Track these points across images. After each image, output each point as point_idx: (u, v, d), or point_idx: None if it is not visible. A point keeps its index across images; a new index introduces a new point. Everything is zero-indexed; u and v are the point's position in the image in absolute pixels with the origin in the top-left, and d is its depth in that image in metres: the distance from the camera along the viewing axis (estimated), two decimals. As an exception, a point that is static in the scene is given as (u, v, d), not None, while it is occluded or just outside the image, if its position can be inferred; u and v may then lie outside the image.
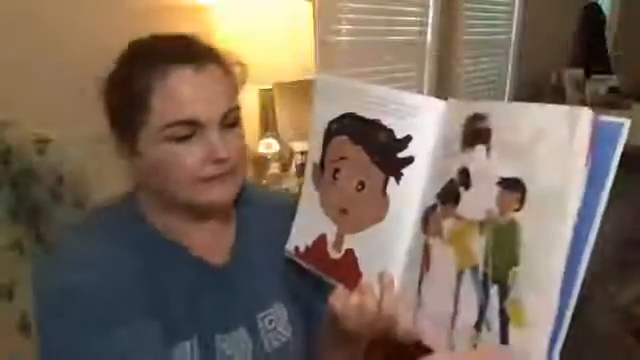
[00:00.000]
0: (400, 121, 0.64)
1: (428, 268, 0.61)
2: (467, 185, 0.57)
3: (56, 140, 1.06)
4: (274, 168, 1.63)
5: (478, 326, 0.55)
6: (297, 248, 0.76)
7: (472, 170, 0.57)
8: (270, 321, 0.80)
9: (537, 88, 3.54)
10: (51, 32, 1.27)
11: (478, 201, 0.56)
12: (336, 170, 0.71)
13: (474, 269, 0.56)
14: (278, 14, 1.52)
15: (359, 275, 0.67)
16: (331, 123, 0.71)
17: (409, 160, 0.63)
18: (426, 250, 0.62)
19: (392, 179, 0.64)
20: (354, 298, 0.65)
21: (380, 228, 0.66)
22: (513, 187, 0.53)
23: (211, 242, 0.78)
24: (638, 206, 2.53)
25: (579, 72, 3.75)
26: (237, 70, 0.75)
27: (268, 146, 1.63)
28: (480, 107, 0.57)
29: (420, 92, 2.64)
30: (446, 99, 0.63)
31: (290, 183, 1.64)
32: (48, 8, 1.27)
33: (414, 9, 2.57)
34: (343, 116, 0.70)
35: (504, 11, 3.32)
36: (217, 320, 0.75)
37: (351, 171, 0.69)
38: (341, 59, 2.15)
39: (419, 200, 0.63)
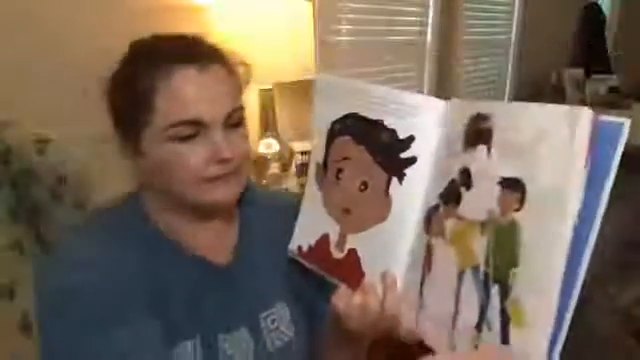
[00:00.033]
0: (403, 121, 0.64)
1: (430, 268, 0.61)
2: (468, 185, 0.57)
3: (56, 140, 1.06)
4: (274, 168, 1.63)
5: (479, 326, 0.55)
6: (300, 248, 0.76)
7: (473, 170, 0.57)
8: (273, 321, 0.80)
9: (537, 88, 3.54)
10: (51, 32, 1.27)
11: (479, 201, 0.56)
12: (339, 170, 0.71)
13: (475, 269, 0.56)
14: (278, 14, 1.52)
15: (362, 275, 0.67)
16: (334, 123, 0.72)
17: (412, 160, 0.63)
18: (428, 250, 0.62)
19: (395, 179, 0.65)
20: (357, 298, 0.65)
21: (383, 228, 0.66)
22: (513, 187, 0.53)
23: (214, 242, 0.78)
24: (638, 207, 2.53)
25: (579, 72, 3.75)
26: (241, 70, 0.75)
27: (268, 146, 1.63)
28: (482, 107, 0.57)
29: (420, 92, 2.64)
30: (449, 99, 0.63)
31: (290, 183, 1.64)
32: (48, 8, 1.27)
33: (414, 9, 2.57)
34: (346, 116, 0.70)
35: (504, 11, 3.32)
36: (220, 320, 0.75)
37: (354, 171, 0.69)
38: (341, 59, 2.15)
39: (422, 200, 0.63)
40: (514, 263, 0.52)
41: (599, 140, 0.49)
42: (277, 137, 1.65)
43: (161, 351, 0.68)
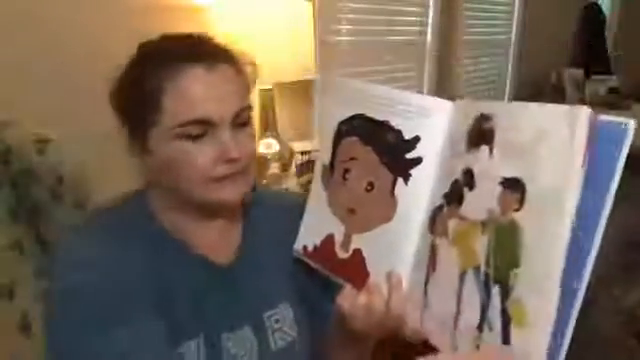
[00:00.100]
0: (409, 122, 0.64)
1: (434, 269, 0.62)
2: (471, 186, 0.57)
3: (56, 140, 1.06)
4: (274, 168, 1.63)
5: (480, 326, 0.55)
6: (305, 248, 0.76)
7: (476, 171, 0.57)
8: (276, 320, 0.80)
9: (537, 88, 3.54)
10: (51, 32, 1.27)
11: (481, 201, 0.56)
12: (346, 170, 0.71)
13: (476, 269, 0.56)
14: (278, 14, 1.52)
15: (367, 275, 0.67)
16: (341, 124, 0.72)
17: (417, 161, 0.63)
18: (433, 250, 0.62)
19: (400, 180, 0.65)
20: (362, 298, 0.65)
21: (388, 228, 0.66)
22: (514, 187, 0.53)
23: (218, 241, 0.78)
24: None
25: (579, 72, 3.75)
26: (248, 69, 0.75)
27: (268, 146, 1.63)
28: (486, 107, 0.57)
29: (420, 92, 2.64)
30: (453, 99, 0.63)
31: (290, 183, 1.64)
32: (48, 8, 1.27)
33: (414, 9, 2.57)
34: (353, 117, 0.70)
35: (504, 11, 3.32)
36: (223, 319, 0.75)
37: (361, 172, 0.69)
38: (341, 59, 2.15)
39: (427, 200, 0.63)
40: (515, 264, 0.52)
41: (603, 141, 0.48)
42: (277, 137, 1.65)
43: (165, 351, 0.68)
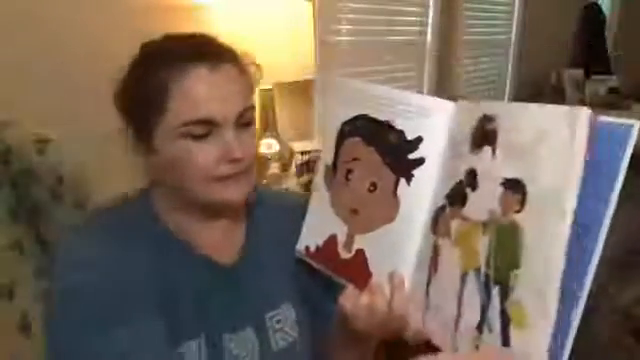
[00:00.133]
0: (411, 122, 0.64)
1: (436, 269, 0.62)
2: (474, 186, 0.58)
3: (56, 140, 1.06)
4: (274, 168, 1.63)
5: (480, 327, 0.55)
6: (307, 248, 0.76)
7: (479, 171, 0.57)
8: (278, 321, 0.80)
9: (537, 88, 3.54)
10: (51, 32, 1.27)
11: (483, 202, 0.56)
12: (348, 171, 0.71)
13: (477, 270, 0.56)
14: (278, 14, 1.52)
15: (369, 275, 0.67)
16: (344, 125, 0.72)
17: (420, 161, 0.64)
18: (435, 251, 0.62)
19: (403, 180, 0.65)
20: (364, 298, 0.65)
21: (391, 229, 0.66)
22: (515, 188, 0.53)
23: (221, 241, 0.78)
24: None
25: (579, 72, 3.74)
26: (252, 69, 0.75)
27: (268, 146, 1.63)
28: (488, 108, 0.58)
29: (420, 92, 2.64)
30: (455, 100, 0.63)
31: (290, 183, 1.64)
32: (48, 8, 1.27)
33: (414, 9, 2.57)
34: (356, 118, 0.70)
35: (504, 11, 3.32)
36: (225, 319, 0.75)
37: (364, 172, 0.69)
38: (341, 59, 2.15)
39: (429, 201, 0.63)
40: (515, 265, 0.52)
41: (607, 142, 0.48)
42: (277, 137, 1.65)
43: (165, 351, 0.68)
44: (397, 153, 0.65)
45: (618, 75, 3.96)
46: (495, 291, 0.54)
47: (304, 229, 0.78)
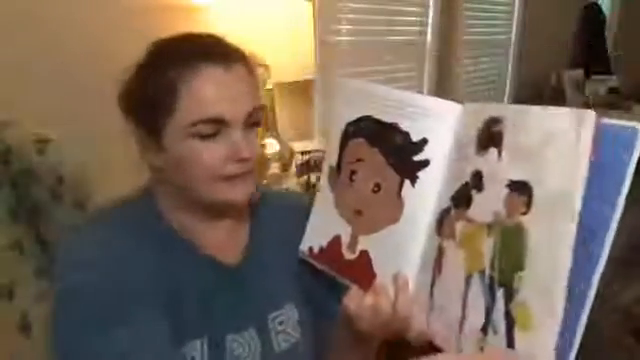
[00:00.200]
0: (416, 124, 0.64)
1: (440, 271, 0.61)
2: (480, 188, 0.57)
3: (56, 140, 1.06)
4: (274, 168, 1.63)
5: (485, 329, 0.55)
6: (311, 249, 0.76)
7: (485, 173, 0.57)
8: (280, 322, 0.80)
9: (537, 89, 3.54)
10: (51, 32, 1.27)
11: (488, 204, 0.56)
12: (352, 172, 0.71)
13: (482, 273, 0.56)
14: (278, 14, 1.52)
15: (373, 276, 0.67)
16: (348, 125, 0.72)
17: (425, 163, 0.63)
18: (439, 252, 0.62)
19: (407, 181, 0.65)
20: (368, 299, 0.65)
21: (395, 230, 0.66)
22: (521, 190, 0.53)
23: (225, 241, 0.78)
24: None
25: (579, 73, 3.74)
26: (260, 70, 0.75)
27: (268, 146, 1.63)
28: (495, 110, 0.58)
29: (420, 92, 2.64)
30: (456, 100, 0.63)
31: (290, 183, 1.64)
32: (48, 8, 1.27)
33: (414, 9, 2.57)
34: (360, 119, 0.70)
35: (504, 11, 3.32)
36: (229, 320, 0.75)
37: (367, 173, 0.69)
38: (341, 59, 2.15)
39: (434, 203, 0.63)
40: (520, 267, 0.52)
41: (614, 145, 0.48)
42: (277, 137, 1.65)
43: (167, 351, 0.67)
44: (402, 154, 0.65)
45: (618, 75, 3.97)
46: (500, 293, 0.54)
47: (308, 230, 0.77)
